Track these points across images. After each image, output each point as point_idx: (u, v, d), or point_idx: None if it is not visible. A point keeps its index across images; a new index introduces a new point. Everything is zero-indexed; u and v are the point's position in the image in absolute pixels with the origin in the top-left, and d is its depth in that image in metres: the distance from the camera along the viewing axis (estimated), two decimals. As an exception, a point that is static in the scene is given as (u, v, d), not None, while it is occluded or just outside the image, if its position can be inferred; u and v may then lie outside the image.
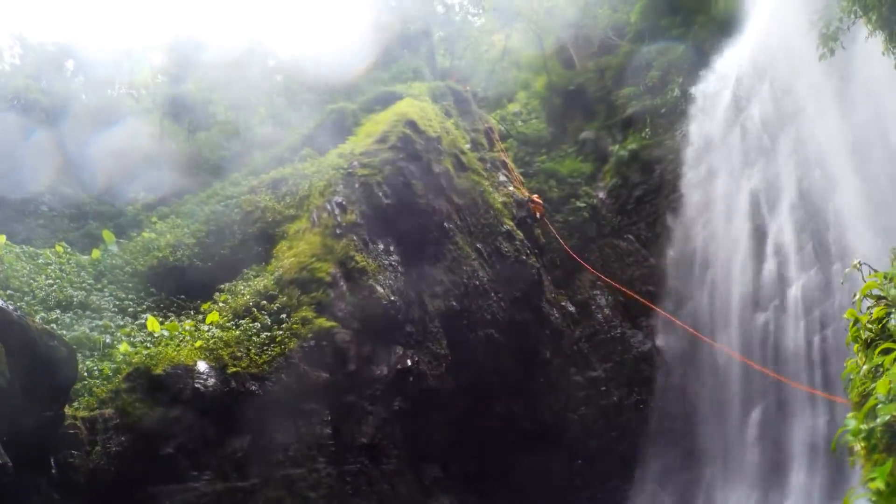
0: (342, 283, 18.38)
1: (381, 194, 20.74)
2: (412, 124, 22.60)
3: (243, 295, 18.98)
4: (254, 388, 15.98)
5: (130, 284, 21.48)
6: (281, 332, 17.11)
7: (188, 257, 22.50)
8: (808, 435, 21.81)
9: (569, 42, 38.68)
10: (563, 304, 28.44)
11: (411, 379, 18.92)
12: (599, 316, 28.71)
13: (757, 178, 26.78)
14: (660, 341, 27.62)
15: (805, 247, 24.41)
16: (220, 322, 17.84)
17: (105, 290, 20.85)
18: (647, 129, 32.09)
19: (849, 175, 22.99)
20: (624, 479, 25.29)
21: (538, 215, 27.44)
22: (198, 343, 16.42)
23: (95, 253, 22.75)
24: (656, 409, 26.48)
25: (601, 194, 31.51)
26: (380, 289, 18.76)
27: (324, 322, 17.32)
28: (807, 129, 24.71)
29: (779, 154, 26.09)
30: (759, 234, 25.84)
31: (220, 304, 19.25)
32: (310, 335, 16.98)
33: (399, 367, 18.55)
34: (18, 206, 28.25)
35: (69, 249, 22.96)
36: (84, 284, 20.52)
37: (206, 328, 17.60)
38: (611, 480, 25.25)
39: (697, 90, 29.46)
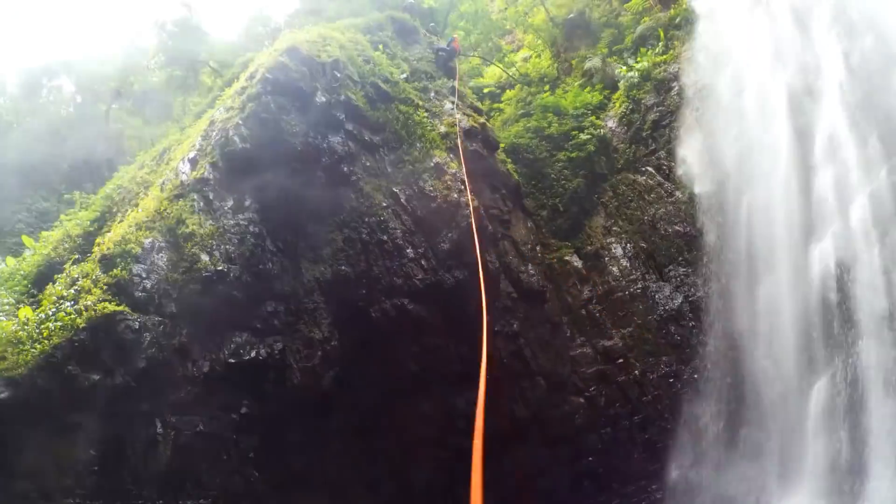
0: (155, 256, 13.38)
1: (236, 138, 15.52)
2: (293, 51, 17.35)
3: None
4: (4, 395, 11.32)
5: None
6: (51, 325, 12.39)
7: None
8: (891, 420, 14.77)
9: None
10: (566, 258, 22.49)
11: (270, 374, 13.73)
12: (615, 269, 22.63)
13: (793, 66, 19.87)
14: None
15: (868, 140, 17.49)
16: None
17: None
18: (660, 45, 25.67)
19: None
20: (649, 478, 18.95)
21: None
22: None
23: None
24: (691, 384, 19.86)
25: (610, 123, 25.55)
26: (205, 257, 13.55)
27: (106, 306, 12.37)
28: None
29: (814, 27, 19.22)
30: (804, 136, 19.00)
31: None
32: (83, 325, 12.11)
33: (246, 358, 13.36)
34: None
35: None
36: None
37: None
38: (632, 480, 19.05)
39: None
